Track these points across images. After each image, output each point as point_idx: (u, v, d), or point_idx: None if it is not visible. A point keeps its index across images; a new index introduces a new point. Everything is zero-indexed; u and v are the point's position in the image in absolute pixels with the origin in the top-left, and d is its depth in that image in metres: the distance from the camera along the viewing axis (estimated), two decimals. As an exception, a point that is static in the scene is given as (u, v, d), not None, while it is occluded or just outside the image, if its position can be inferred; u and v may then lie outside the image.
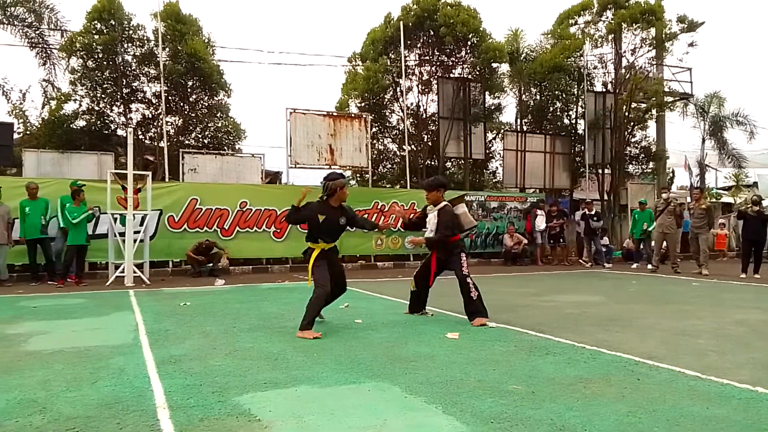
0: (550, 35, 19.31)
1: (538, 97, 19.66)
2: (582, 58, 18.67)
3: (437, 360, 4.42)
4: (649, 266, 13.28)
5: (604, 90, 19.11)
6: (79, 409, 3.25)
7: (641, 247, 15.34)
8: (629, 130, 19.18)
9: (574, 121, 19.66)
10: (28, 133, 15.66)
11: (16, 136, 14.85)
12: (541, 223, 15.58)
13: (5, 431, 2.94)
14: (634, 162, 20.05)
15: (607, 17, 18.31)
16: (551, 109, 19.65)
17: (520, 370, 4.12)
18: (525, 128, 19.21)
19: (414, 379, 3.86)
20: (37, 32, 15.34)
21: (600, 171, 19.03)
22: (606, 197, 18.65)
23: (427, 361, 4.39)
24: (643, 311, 7.04)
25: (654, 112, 19.30)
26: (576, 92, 19.22)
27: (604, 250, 15.45)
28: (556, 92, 19.16)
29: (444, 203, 6.29)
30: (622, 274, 12.86)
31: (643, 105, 19.16)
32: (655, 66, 19.37)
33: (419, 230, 6.68)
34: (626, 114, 18.55)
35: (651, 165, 20.31)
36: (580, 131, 19.23)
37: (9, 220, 10.36)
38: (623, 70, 18.56)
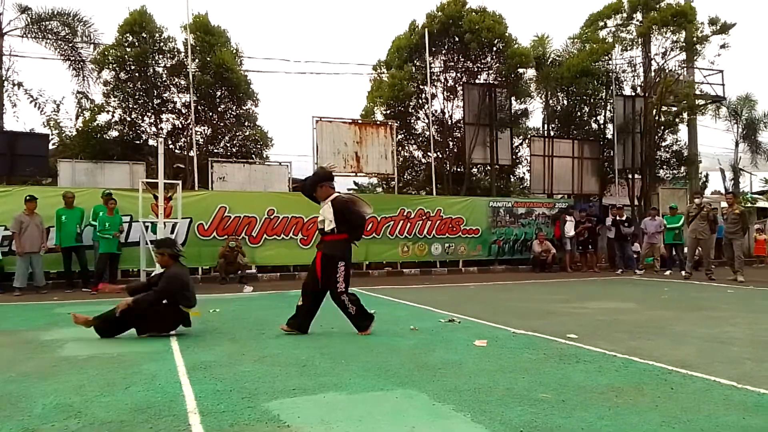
0: (577, 39, 19.14)
1: (565, 101, 19.46)
2: (610, 61, 18.43)
3: (465, 367, 4.39)
4: (683, 273, 12.99)
5: (634, 93, 18.82)
6: (113, 414, 3.31)
7: (674, 253, 15.04)
8: (660, 134, 18.87)
9: (602, 126, 19.40)
10: (62, 143, 16.08)
11: (51, 146, 15.27)
12: (570, 229, 15.42)
13: (42, 435, 3.01)
14: (665, 166, 19.70)
15: (636, 20, 18.07)
16: (579, 113, 19.44)
17: (550, 378, 4.06)
18: (552, 133, 19.02)
19: (442, 387, 3.84)
20: (71, 45, 15.76)
21: (630, 176, 18.73)
22: (636, 202, 18.33)
23: (455, 368, 4.36)
24: (675, 318, 6.88)
25: (685, 115, 18.95)
26: (604, 96, 18.97)
27: (635, 256, 15.20)
28: (584, 97, 18.94)
29: (335, 194, 5.88)
30: (653, 280, 12.62)
31: (674, 108, 18.81)
32: (685, 69, 19.03)
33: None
34: (656, 118, 18.24)
35: (683, 169, 19.94)
36: (608, 136, 18.96)
37: (43, 229, 10.62)
38: (653, 74, 18.27)
